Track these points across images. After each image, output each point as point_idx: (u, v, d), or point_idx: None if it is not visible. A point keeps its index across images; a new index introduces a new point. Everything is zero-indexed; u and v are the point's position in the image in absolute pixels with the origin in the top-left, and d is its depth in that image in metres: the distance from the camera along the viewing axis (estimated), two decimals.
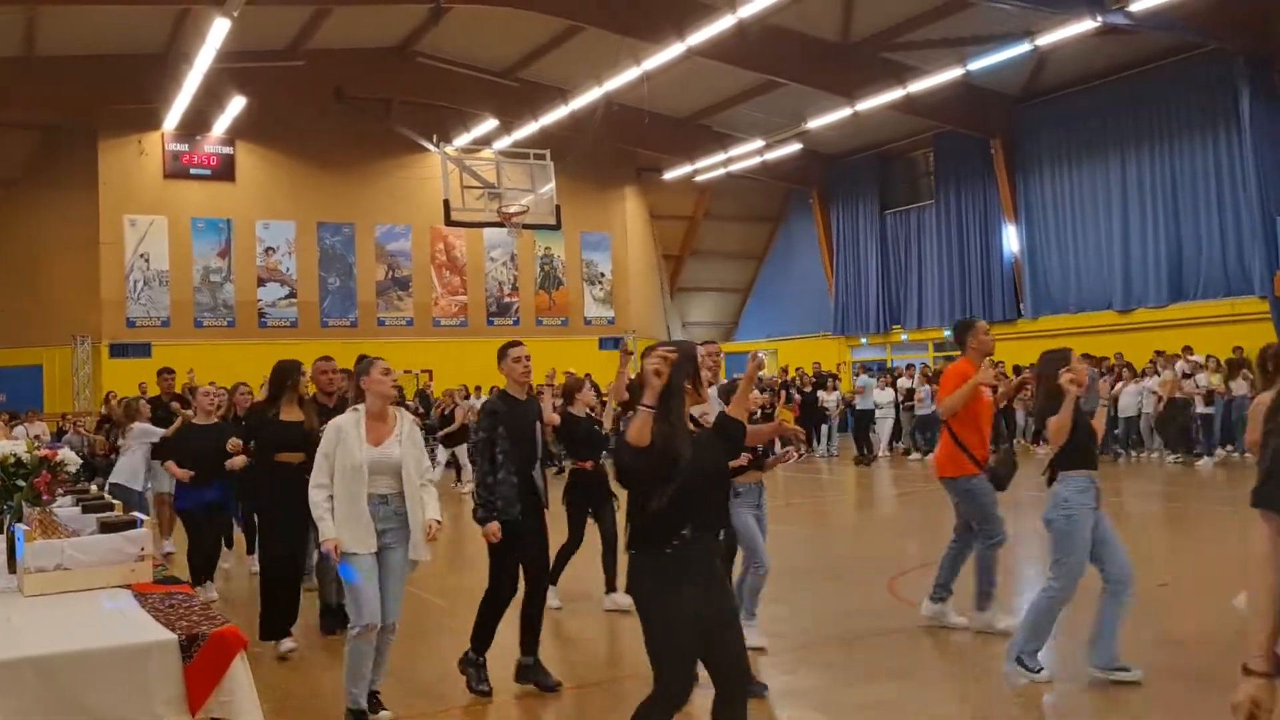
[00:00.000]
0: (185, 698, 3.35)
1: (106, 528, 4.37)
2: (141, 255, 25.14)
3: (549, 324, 29.19)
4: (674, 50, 20.06)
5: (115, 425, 12.96)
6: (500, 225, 20.24)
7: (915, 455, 20.99)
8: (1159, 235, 21.88)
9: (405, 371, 24.93)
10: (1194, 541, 11.14)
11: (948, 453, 6.97)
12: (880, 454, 21.91)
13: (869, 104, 22.68)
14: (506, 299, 29.15)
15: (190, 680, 3.35)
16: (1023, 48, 19.58)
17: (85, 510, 4.91)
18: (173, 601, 3.88)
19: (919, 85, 21.62)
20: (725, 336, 33.17)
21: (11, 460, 4.59)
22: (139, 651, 3.35)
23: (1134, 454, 19.24)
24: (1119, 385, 19.13)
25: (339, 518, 5.33)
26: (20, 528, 4.30)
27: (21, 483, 4.50)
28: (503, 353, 6.17)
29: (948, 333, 26.82)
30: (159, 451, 10.06)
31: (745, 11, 18.40)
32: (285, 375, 7.32)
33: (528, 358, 6.13)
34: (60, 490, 5.21)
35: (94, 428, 19.46)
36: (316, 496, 5.35)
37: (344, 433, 5.42)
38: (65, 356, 24.52)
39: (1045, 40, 19.09)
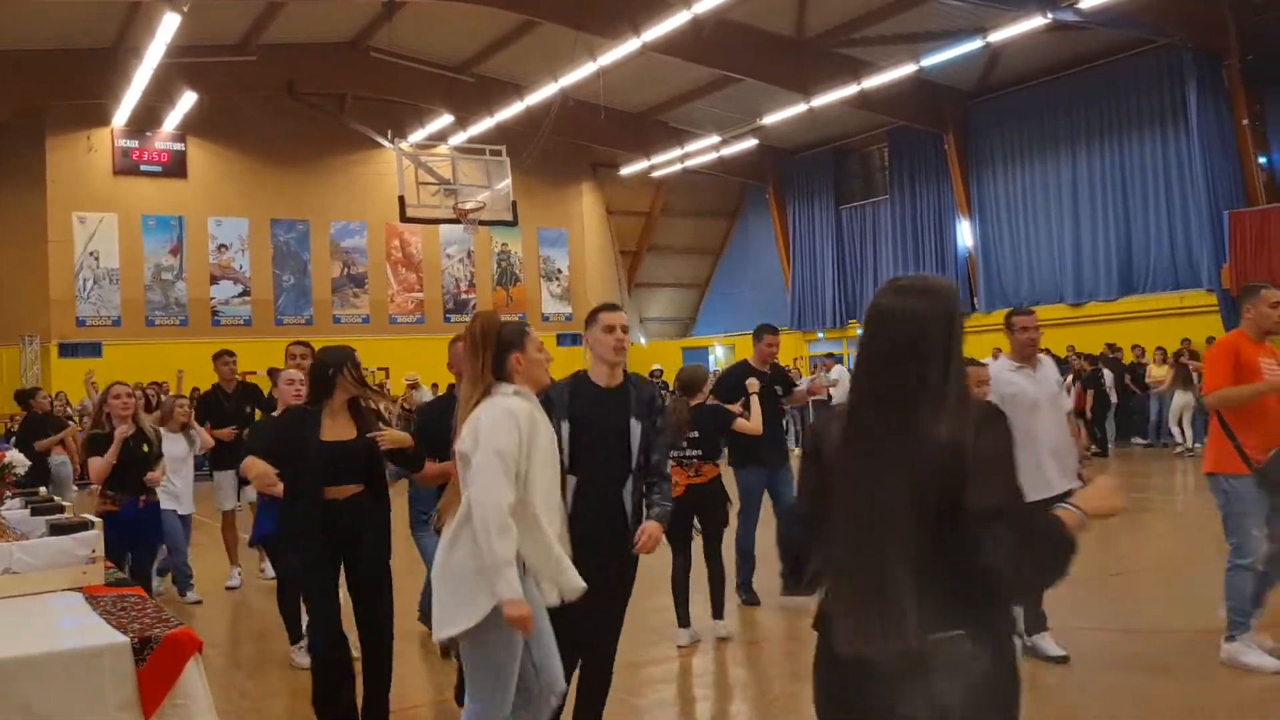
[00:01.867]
0: (139, 702, 3.31)
1: (56, 530, 4.31)
2: (91, 253, 24.76)
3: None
4: (629, 46, 20.06)
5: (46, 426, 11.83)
6: (456, 222, 20.18)
7: None
8: (1109, 229, 22.18)
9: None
10: (1149, 531, 11.31)
11: (1215, 445, 5.72)
12: None
13: (824, 99, 22.79)
14: (463, 295, 29.03)
15: (143, 684, 3.31)
16: (975, 44, 19.77)
17: (34, 513, 4.84)
18: (125, 604, 3.83)
19: (873, 81, 21.76)
20: (683, 332, 33.28)
21: None
22: (91, 655, 3.31)
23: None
24: (1069, 379, 19.50)
25: (534, 560, 3.71)
26: None
27: None
28: (591, 318, 4.54)
29: None
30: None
31: (700, 7, 18.44)
32: (326, 369, 4.98)
33: (624, 327, 4.47)
34: (8, 492, 5.14)
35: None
36: (509, 530, 3.58)
37: (535, 423, 3.78)
38: (13, 357, 24.08)
39: (997, 37, 19.30)
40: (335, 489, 4.86)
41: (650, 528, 4.37)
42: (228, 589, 9.10)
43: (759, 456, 7.67)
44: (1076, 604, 6.93)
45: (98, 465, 6.69)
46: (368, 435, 4.92)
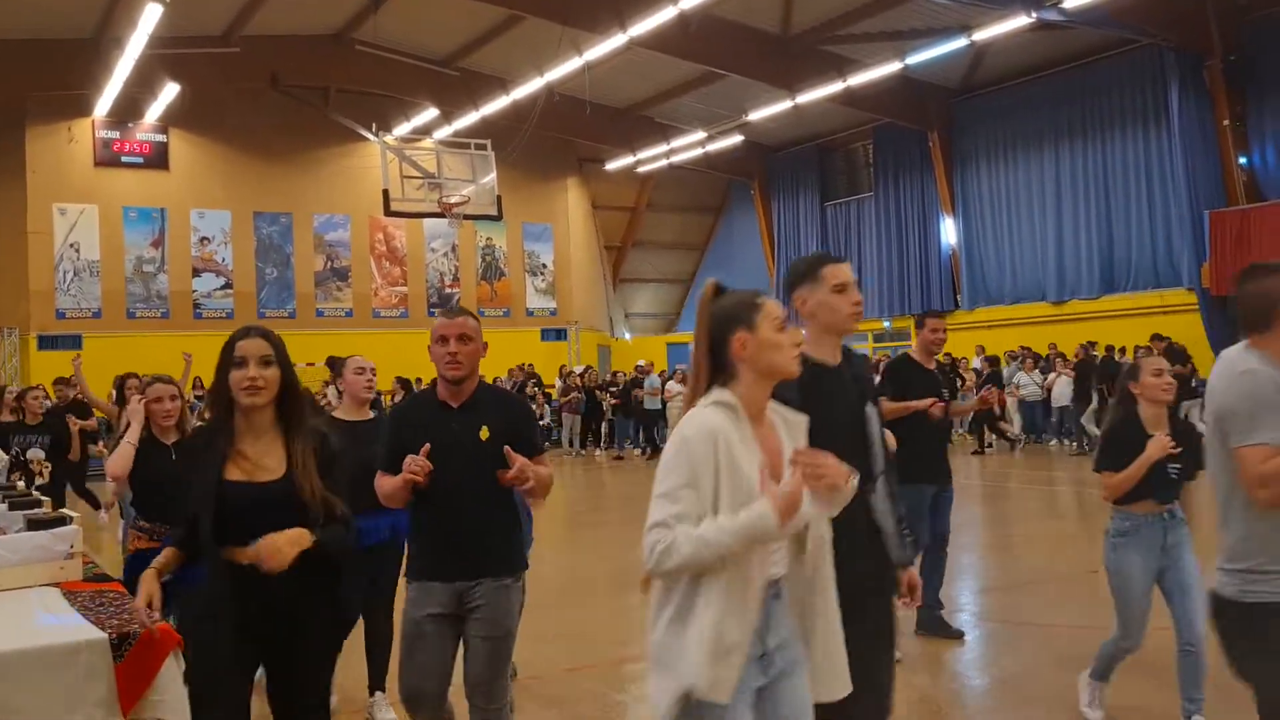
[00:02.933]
0: (117, 698, 3.29)
1: (34, 525, 4.28)
2: (71, 245, 24.60)
3: (491, 315, 29.03)
4: (615, 40, 20.02)
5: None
6: (441, 216, 20.12)
7: None
8: (1091, 228, 22.31)
9: None
10: None
11: None
12: None
13: (809, 96, 22.82)
14: (447, 290, 28.95)
15: (122, 680, 3.29)
16: (960, 42, 19.83)
17: (12, 507, 4.81)
18: (103, 600, 3.81)
19: (858, 78, 21.78)
20: (667, 328, 33.29)
21: None
22: (68, 651, 3.28)
23: (1068, 442, 19.57)
24: (1053, 376, 19.65)
25: (711, 633, 2.48)
26: None
27: None
28: (809, 275, 3.50)
29: (886, 324, 27.15)
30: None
31: (687, 3, 18.44)
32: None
33: (855, 282, 3.46)
34: None
35: None
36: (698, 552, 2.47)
37: (730, 447, 2.56)
38: None
39: (982, 35, 19.36)
40: (245, 551, 3.07)
41: (910, 576, 3.40)
42: None
43: (921, 471, 6.33)
44: (1054, 600, 6.95)
45: (118, 458, 4.97)
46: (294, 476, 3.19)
